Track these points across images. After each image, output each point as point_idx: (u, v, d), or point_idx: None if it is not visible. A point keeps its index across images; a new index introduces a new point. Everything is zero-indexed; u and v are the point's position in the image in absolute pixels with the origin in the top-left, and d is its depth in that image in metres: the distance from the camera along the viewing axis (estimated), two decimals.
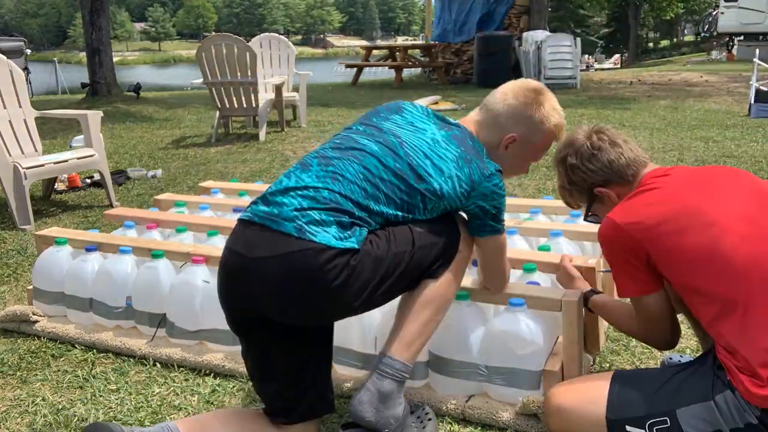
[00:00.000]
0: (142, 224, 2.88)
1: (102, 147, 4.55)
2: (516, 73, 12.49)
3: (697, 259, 1.58)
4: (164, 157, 6.24)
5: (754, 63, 8.44)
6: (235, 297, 1.75)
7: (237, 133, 7.28)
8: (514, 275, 2.25)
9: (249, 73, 6.56)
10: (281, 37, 8.34)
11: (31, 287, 2.77)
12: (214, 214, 3.09)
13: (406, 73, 14.69)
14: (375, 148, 1.80)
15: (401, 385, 1.77)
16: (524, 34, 12.35)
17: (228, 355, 2.31)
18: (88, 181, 5.25)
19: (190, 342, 2.39)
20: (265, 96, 7.10)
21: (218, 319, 2.32)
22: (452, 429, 1.93)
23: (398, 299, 1.83)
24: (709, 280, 1.57)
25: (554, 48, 11.36)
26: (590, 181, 1.86)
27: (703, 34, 28.25)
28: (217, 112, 6.90)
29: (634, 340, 2.38)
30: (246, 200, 3.25)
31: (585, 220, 1.99)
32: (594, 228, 2.61)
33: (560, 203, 2.93)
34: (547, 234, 2.53)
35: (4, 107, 4.40)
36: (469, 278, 2.13)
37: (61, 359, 2.42)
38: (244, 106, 6.75)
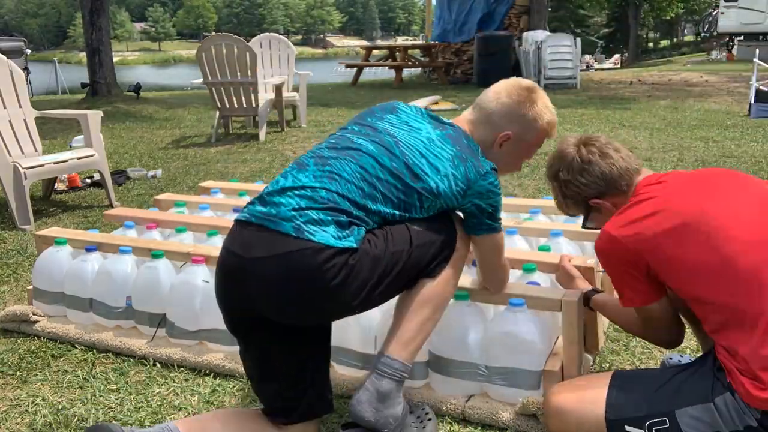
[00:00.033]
0: (142, 224, 2.88)
1: (102, 147, 4.55)
2: (516, 73, 12.49)
3: (698, 268, 1.57)
4: (164, 157, 6.24)
5: (754, 63, 8.45)
6: (232, 297, 1.74)
7: (237, 133, 7.28)
8: (514, 275, 2.25)
9: (249, 73, 6.56)
10: (281, 37, 8.34)
11: (31, 287, 2.77)
12: (214, 214, 3.09)
13: (406, 73, 14.69)
14: (371, 147, 1.80)
15: (400, 385, 1.76)
16: (524, 34, 12.35)
17: (228, 355, 2.31)
18: (88, 181, 5.25)
19: (190, 342, 2.39)
20: (265, 96, 7.10)
21: (218, 319, 2.31)
22: (452, 429, 1.93)
23: (396, 298, 1.83)
24: (713, 288, 1.56)
25: (554, 48, 11.36)
26: (584, 194, 1.85)
27: (703, 34, 28.25)
28: (217, 112, 6.90)
29: (634, 340, 2.38)
30: (246, 200, 3.25)
31: (583, 227, 1.98)
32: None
33: None
34: (547, 234, 2.53)
35: (4, 107, 4.40)
36: (469, 278, 2.13)
37: (61, 359, 2.42)
38: (244, 106, 6.75)
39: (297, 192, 1.72)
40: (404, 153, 1.79)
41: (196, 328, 2.37)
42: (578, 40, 11.92)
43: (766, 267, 1.52)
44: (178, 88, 16.96)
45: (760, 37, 17.49)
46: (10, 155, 4.19)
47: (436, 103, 9.31)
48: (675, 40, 42.94)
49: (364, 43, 57.83)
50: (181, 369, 2.31)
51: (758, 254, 1.54)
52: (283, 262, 1.63)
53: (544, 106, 1.97)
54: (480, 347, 1.99)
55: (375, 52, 15.89)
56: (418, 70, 15.42)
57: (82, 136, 4.81)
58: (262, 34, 8.25)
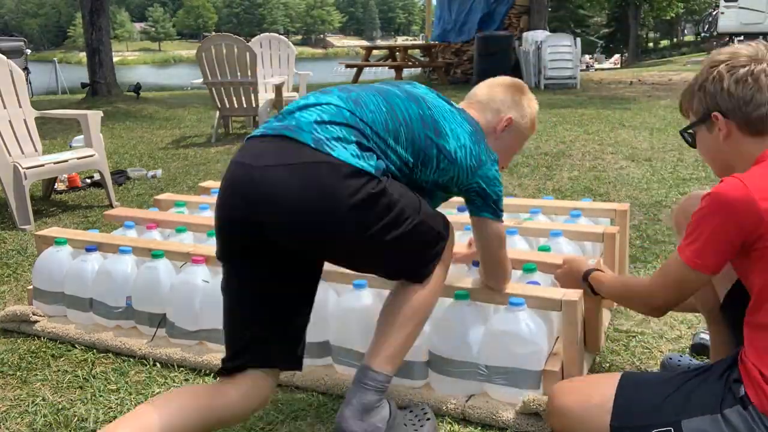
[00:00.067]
0: (142, 224, 2.88)
1: (102, 147, 4.55)
2: (516, 73, 12.50)
3: None
4: (164, 157, 6.24)
5: None
6: (236, 212, 1.61)
7: (237, 133, 7.28)
8: (514, 275, 2.25)
9: (249, 73, 6.56)
10: (281, 37, 8.34)
11: (31, 287, 2.77)
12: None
13: (406, 73, 14.68)
14: (399, 93, 1.78)
15: (383, 393, 1.72)
16: (524, 34, 12.35)
17: None
18: (88, 181, 5.25)
19: (190, 342, 2.39)
20: (265, 96, 7.10)
21: (218, 319, 2.31)
22: (452, 429, 1.92)
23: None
24: None
25: (554, 48, 11.36)
26: (717, 101, 1.59)
27: (703, 34, 28.25)
28: (217, 112, 6.90)
29: (634, 340, 2.38)
30: None
31: (680, 132, 1.75)
32: (593, 228, 2.63)
33: (560, 203, 2.94)
34: (547, 234, 2.53)
35: (4, 107, 4.40)
36: (469, 278, 2.14)
37: (61, 359, 2.42)
38: (244, 106, 6.75)
39: (320, 108, 1.65)
40: (431, 108, 1.78)
41: (196, 328, 2.37)
42: (578, 40, 11.92)
43: None
44: (178, 88, 16.97)
45: (760, 37, 17.48)
46: (10, 155, 4.19)
47: None
48: (675, 40, 42.97)
49: (364, 43, 57.85)
50: (181, 369, 2.31)
51: None
52: (297, 172, 1.54)
53: (532, 98, 2.07)
54: (480, 347, 1.99)
55: (375, 52, 15.89)
56: (418, 70, 15.42)
57: (82, 136, 4.81)
58: (262, 34, 8.25)
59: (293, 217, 1.56)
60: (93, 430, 1.97)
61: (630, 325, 2.51)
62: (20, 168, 4.04)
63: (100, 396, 2.15)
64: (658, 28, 42.34)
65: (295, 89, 7.85)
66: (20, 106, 4.49)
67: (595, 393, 1.68)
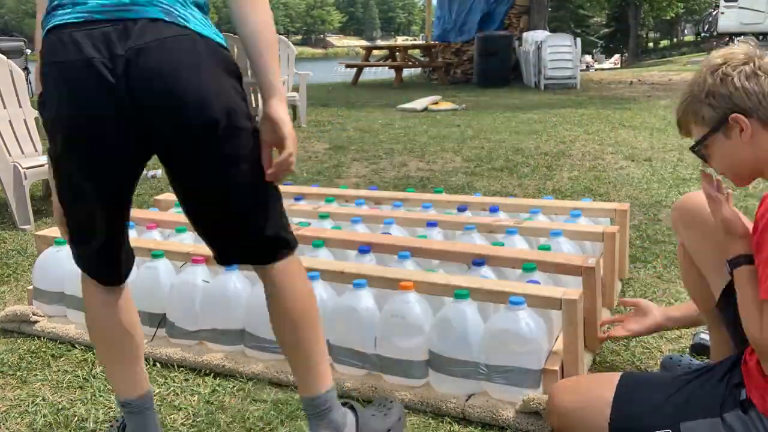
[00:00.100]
0: (142, 224, 2.89)
1: None
2: (516, 73, 12.51)
3: None
4: None
5: None
6: (84, 106, 1.39)
7: None
8: (514, 275, 2.25)
9: (249, 73, 6.56)
10: (281, 37, 8.34)
11: (31, 287, 2.77)
12: None
13: (406, 73, 14.69)
14: None
15: (337, 403, 1.71)
16: (524, 34, 12.36)
17: (228, 355, 2.31)
18: None
19: (190, 342, 2.39)
20: None
21: (218, 319, 2.33)
22: (452, 428, 1.92)
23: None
24: None
25: (554, 48, 11.36)
26: (734, 102, 1.51)
27: (703, 34, 28.23)
28: None
29: (634, 340, 2.38)
30: None
31: (692, 149, 1.62)
32: (593, 228, 2.63)
33: (560, 203, 2.94)
34: (547, 234, 2.53)
35: (4, 107, 4.40)
36: (469, 278, 2.14)
37: (61, 359, 2.42)
38: None
39: None
40: None
41: (196, 328, 2.37)
42: (578, 40, 11.92)
43: None
44: None
45: (760, 37, 17.47)
46: (10, 155, 4.18)
47: (436, 103, 9.31)
48: (675, 40, 42.95)
49: (364, 43, 57.81)
50: (181, 369, 2.31)
51: None
52: (164, 49, 1.37)
53: None
54: (480, 346, 1.99)
55: (375, 52, 15.90)
56: (418, 70, 15.43)
57: None
58: None
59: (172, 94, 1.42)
60: (93, 430, 1.97)
61: None
62: (20, 168, 4.04)
63: (100, 396, 2.15)
64: (658, 28, 42.31)
65: (295, 89, 7.85)
66: (20, 106, 4.49)
67: (595, 392, 1.68)
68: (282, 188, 1.67)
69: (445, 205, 3.03)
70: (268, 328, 2.27)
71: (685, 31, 45.12)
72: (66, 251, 2.67)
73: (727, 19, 18.62)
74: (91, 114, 1.40)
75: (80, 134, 1.42)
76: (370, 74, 15.61)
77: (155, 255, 2.48)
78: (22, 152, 4.41)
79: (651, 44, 42.16)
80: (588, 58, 24.60)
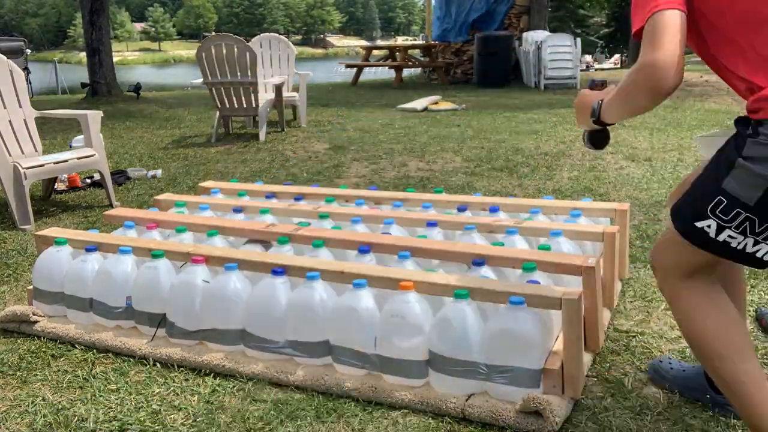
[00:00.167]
0: (142, 224, 2.89)
1: (102, 147, 4.55)
2: (516, 73, 12.51)
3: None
4: (164, 157, 6.24)
5: None
6: None
7: (237, 133, 7.28)
8: (514, 275, 2.25)
9: (249, 73, 6.56)
10: (281, 37, 8.34)
11: (31, 287, 2.77)
12: (214, 214, 3.09)
13: (406, 73, 14.69)
14: None
15: None
16: (524, 34, 12.35)
17: (228, 355, 2.31)
18: (88, 181, 5.24)
19: (190, 342, 2.39)
20: (265, 96, 7.10)
21: (218, 319, 2.33)
22: (452, 429, 1.93)
23: None
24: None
25: (554, 48, 11.36)
26: None
27: None
28: (217, 112, 6.90)
29: (634, 340, 2.38)
30: (246, 200, 3.26)
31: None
32: (593, 228, 2.63)
33: (560, 203, 2.94)
34: (547, 234, 2.53)
35: (4, 107, 4.40)
36: (469, 278, 2.14)
37: (61, 359, 2.42)
38: (244, 106, 6.75)
39: None
40: None
41: (196, 328, 2.37)
42: (578, 40, 11.91)
43: None
44: (178, 88, 16.96)
45: None
46: (10, 155, 4.19)
47: (436, 103, 9.31)
48: None
49: (364, 43, 57.86)
50: (181, 369, 2.31)
51: None
52: None
53: None
54: (480, 346, 1.99)
55: (375, 52, 15.90)
56: (418, 70, 15.42)
57: (82, 136, 4.81)
58: (262, 34, 8.25)
59: None
60: (93, 430, 1.97)
61: (630, 325, 2.51)
62: (20, 168, 4.04)
63: (100, 396, 2.15)
64: None
65: (295, 89, 7.85)
66: (20, 106, 4.49)
67: (665, 235, 1.72)
68: (282, 188, 1.67)
69: (445, 205, 3.03)
70: (268, 328, 2.28)
71: None
72: (66, 251, 2.68)
73: None
74: None
75: None
76: (370, 74, 15.61)
77: (155, 255, 2.48)
78: (22, 152, 4.41)
79: None
80: (588, 58, 24.58)
